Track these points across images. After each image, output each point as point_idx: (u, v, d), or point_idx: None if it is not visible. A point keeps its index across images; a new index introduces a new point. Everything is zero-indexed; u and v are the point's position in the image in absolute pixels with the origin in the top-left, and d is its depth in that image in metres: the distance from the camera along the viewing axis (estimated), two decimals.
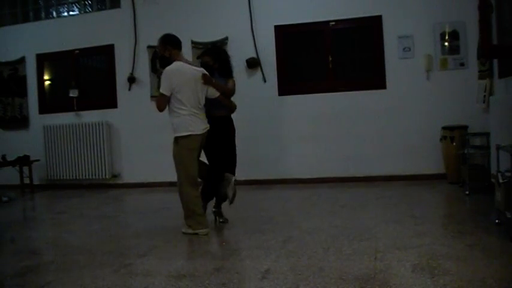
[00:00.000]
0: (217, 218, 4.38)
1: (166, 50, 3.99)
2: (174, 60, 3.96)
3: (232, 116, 4.43)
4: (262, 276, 2.90)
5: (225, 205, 4.41)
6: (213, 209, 4.42)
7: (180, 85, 3.88)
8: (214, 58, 4.28)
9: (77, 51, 7.37)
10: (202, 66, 4.18)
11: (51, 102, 7.64)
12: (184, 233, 4.00)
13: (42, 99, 7.62)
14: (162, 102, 3.93)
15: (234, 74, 4.43)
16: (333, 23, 6.40)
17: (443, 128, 5.73)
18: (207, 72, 4.06)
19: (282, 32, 6.56)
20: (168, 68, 3.92)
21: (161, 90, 3.89)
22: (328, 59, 6.43)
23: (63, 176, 7.34)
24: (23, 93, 7.61)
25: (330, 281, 2.73)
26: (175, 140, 3.95)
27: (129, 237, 4.29)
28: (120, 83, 7.16)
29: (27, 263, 3.48)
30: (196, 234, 3.92)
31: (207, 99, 4.08)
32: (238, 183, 6.52)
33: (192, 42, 6.73)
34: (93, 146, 7.16)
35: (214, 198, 4.37)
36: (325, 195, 5.68)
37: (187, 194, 3.93)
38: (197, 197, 3.98)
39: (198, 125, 3.94)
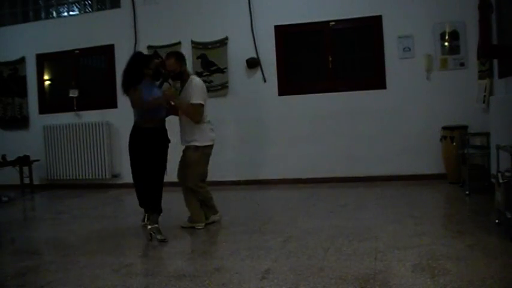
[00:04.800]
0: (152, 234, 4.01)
1: (182, 66, 4.23)
2: (186, 75, 4.26)
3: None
4: (262, 276, 2.90)
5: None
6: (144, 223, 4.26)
7: (206, 98, 4.25)
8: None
9: (77, 51, 7.37)
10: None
11: (51, 102, 7.64)
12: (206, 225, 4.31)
13: (42, 99, 7.61)
14: (203, 112, 4.17)
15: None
16: (333, 23, 6.39)
17: (443, 128, 5.73)
18: None
19: (282, 32, 6.56)
20: (198, 80, 4.26)
21: (202, 101, 4.14)
22: (328, 59, 6.43)
23: (63, 176, 7.34)
24: (23, 93, 7.61)
25: (330, 281, 2.74)
26: (196, 148, 4.18)
27: (129, 237, 4.29)
28: (120, 83, 7.12)
29: (27, 263, 3.48)
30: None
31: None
32: (238, 183, 6.59)
33: (192, 42, 6.74)
34: (93, 146, 7.16)
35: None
36: (325, 195, 5.68)
37: (204, 188, 4.35)
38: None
39: (213, 135, 4.33)
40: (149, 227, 3.95)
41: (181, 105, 4.13)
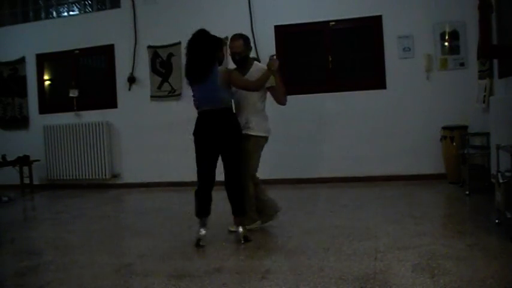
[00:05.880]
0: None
1: (248, 50, 3.99)
2: (250, 60, 4.00)
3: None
4: (262, 276, 2.90)
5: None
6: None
7: None
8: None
9: (77, 51, 7.36)
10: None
11: (51, 102, 7.64)
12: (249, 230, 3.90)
13: (42, 99, 7.61)
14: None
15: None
16: (333, 23, 6.39)
17: (443, 128, 5.72)
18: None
19: (282, 32, 6.56)
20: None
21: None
22: (328, 59, 6.43)
23: (63, 176, 7.34)
24: (23, 93, 7.61)
25: (330, 281, 2.73)
26: (249, 137, 3.89)
27: (129, 237, 4.29)
28: (120, 83, 7.16)
29: (27, 263, 3.48)
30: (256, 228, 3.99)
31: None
32: None
33: None
34: (93, 146, 7.16)
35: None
36: (325, 195, 5.68)
37: (249, 187, 3.95)
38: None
39: (269, 127, 4.11)
40: (241, 229, 3.69)
41: (280, 81, 3.91)
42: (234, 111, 3.85)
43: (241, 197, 3.78)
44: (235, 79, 3.75)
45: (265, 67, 3.84)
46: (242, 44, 3.90)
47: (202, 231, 3.71)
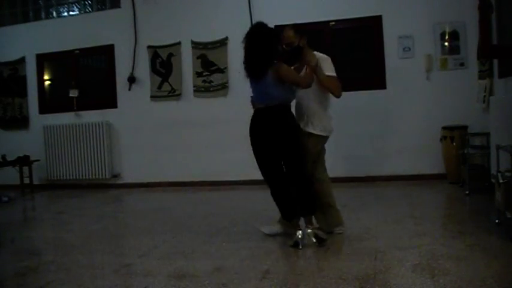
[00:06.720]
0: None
1: (302, 40, 3.60)
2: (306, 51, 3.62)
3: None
4: (262, 276, 2.90)
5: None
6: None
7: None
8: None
9: (77, 51, 7.37)
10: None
11: (51, 102, 7.64)
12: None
13: (42, 99, 7.61)
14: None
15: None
16: (333, 23, 6.40)
17: (443, 128, 5.72)
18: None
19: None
20: (324, 55, 3.66)
21: (335, 75, 3.61)
22: None
23: (63, 176, 7.34)
24: (23, 93, 7.61)
25: (330, 281, 2.73)
26: (310, 135, 3.65)
27: (129, 237, 4.29)
28: (120, 83, 7.16)
29: (27, 263, 3.48)
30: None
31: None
32: (238, 183, 6.58)
33: (192, 42, 6.74)
34: (93, 146, 7.16)
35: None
36: None
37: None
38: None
39: (332, 126, 3.82)
40: (310, 230, 3.49)
41: (323, 75, 3.55)
42: (291, 108, 3.62)
43: (309, 195, 3.56)
44: (284, 74, 3.45)
45: (326, 57, 3.66)
46: (293, 34, 3.58)
47: (302, 233, 3.47)
